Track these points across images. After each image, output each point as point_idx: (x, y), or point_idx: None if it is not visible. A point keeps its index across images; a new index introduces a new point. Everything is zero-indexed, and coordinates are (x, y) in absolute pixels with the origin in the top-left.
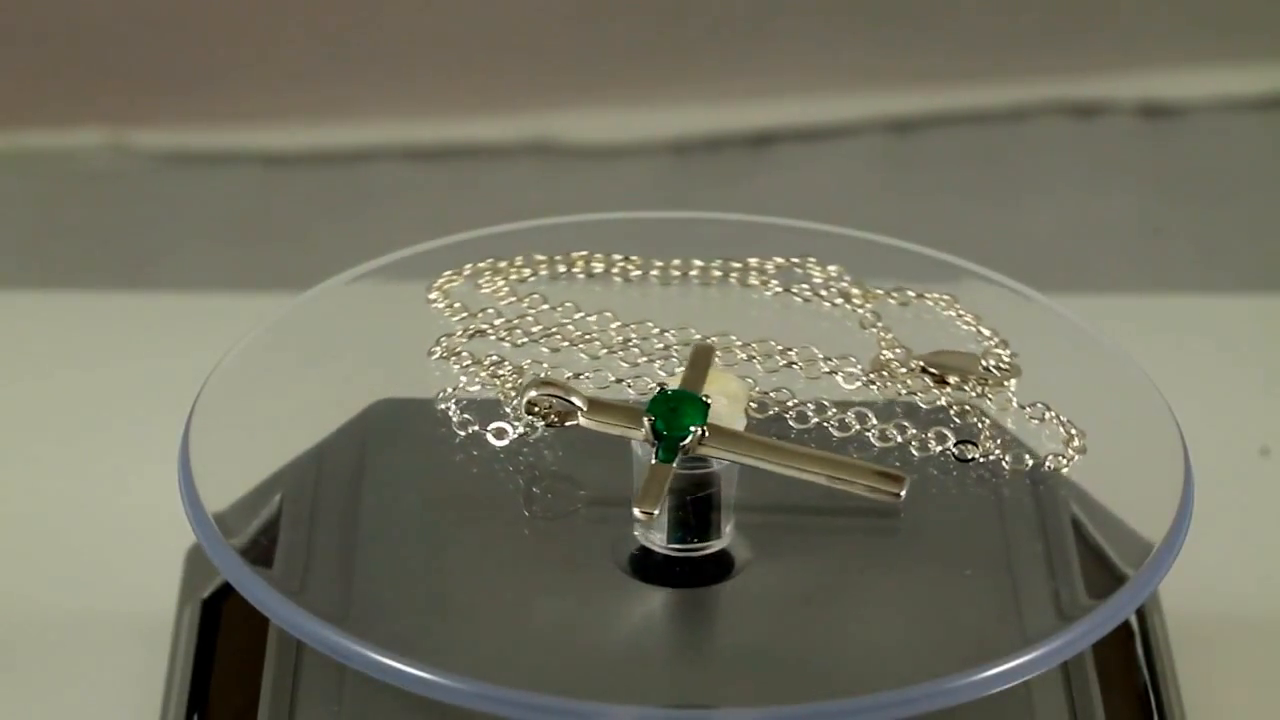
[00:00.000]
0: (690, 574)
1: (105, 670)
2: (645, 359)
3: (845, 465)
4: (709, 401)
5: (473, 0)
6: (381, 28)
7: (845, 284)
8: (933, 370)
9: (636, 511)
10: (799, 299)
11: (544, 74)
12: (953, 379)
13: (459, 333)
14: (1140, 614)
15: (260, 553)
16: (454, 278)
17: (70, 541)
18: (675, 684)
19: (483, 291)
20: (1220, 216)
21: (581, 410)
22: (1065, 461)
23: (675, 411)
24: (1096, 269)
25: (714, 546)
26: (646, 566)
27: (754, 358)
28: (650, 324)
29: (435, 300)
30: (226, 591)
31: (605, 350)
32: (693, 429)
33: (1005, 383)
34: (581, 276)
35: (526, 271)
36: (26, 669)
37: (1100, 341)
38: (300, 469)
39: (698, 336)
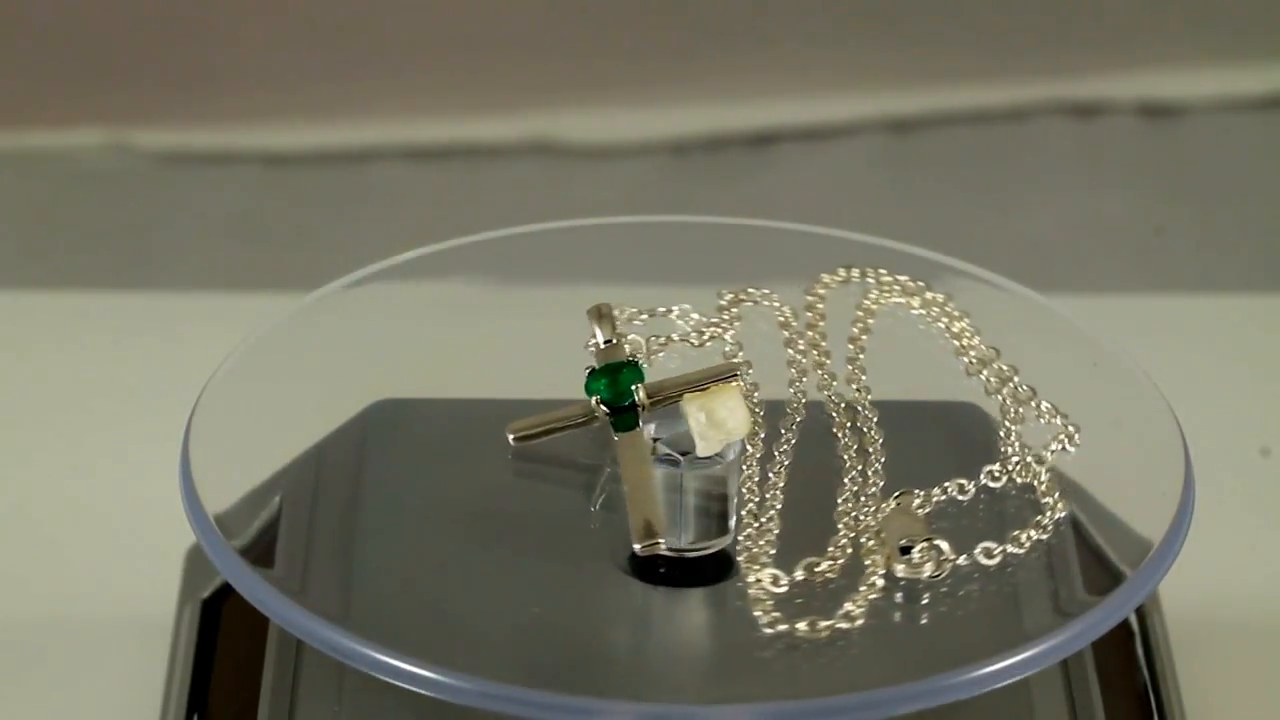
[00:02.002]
0: (691, 573)
1: (105, 670)
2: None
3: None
4: (642, 365)
5: (473, 0)
6: (381, 28)
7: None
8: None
9: (638, 547)
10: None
11: (544, 74)
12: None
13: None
14: (1140, 614)
15: (260, 553)
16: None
17: (70, 541)
18: (675, 682)
19: None
20: (1220, 216)
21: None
22: (1060, 449)
23: (615, 381)
24: (1096, 269)
25: (715, 546)
26: (647, 566)
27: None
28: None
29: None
30: (226, 591)
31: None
32: (635, 387)
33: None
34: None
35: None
36: (26, 669)
37: (1100, 342)
38: (300, 469)
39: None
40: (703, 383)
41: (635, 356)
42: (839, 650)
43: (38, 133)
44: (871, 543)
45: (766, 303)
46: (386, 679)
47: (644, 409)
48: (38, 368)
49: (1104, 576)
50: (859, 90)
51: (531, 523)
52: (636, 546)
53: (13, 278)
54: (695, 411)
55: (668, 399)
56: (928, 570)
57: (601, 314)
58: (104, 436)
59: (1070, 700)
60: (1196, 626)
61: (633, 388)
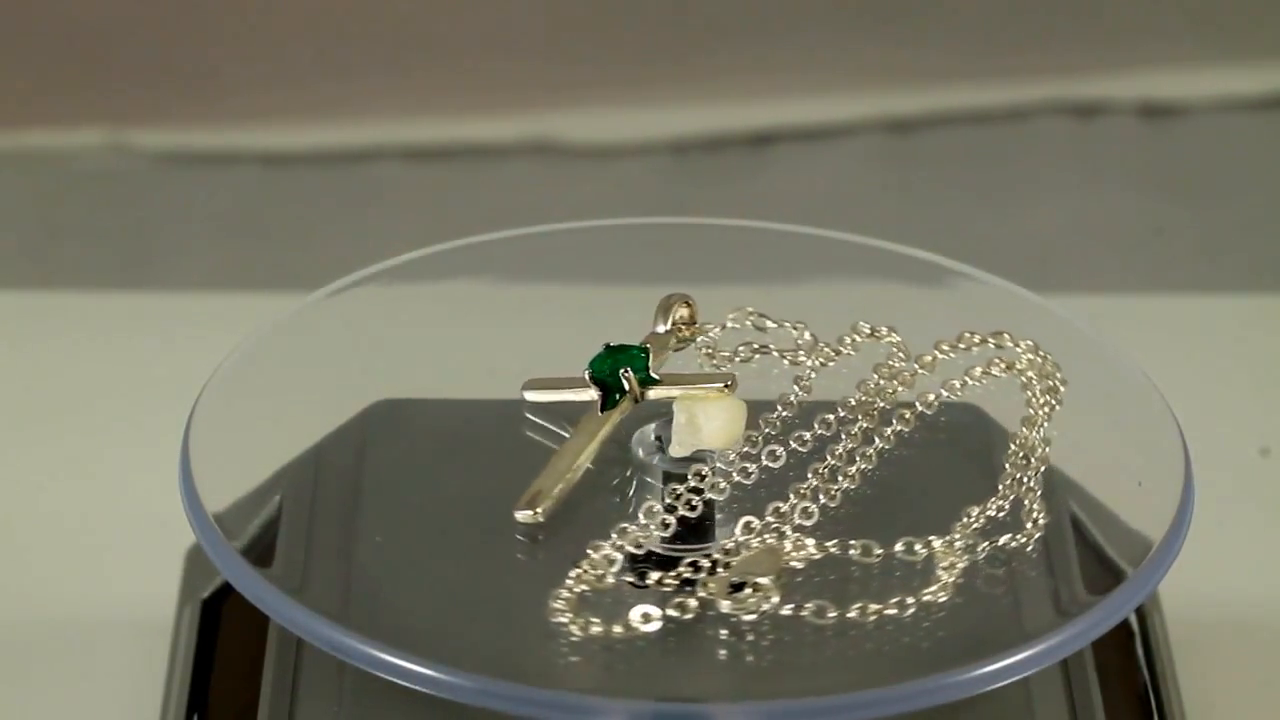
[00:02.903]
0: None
1: (105, 670)
2: None
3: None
4: (646, 351)
5: (473, 0)
6: (381, 28)
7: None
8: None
9: (516, 513)
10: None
11: (544, 74)
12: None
13: None
14: (1140, 614)
15: (260, 552)
16: None
17: (70, 541)
18: (675, 680)
19: None
20: (1220, 216)
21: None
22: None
23: (615, 361)
24: (1096, 269)
25: (712, 548)
26: (647, 565)
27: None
28: None
29: None
30: (226, 591)
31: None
32: (623, 372)
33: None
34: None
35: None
36: (26, 669)
37: (1099, 342)
38: (300, 469)
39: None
40: (691, 386)
41: (648, 347)
42: (839, 650)
43: (38, 133)
44: (717, 573)
45: (887, 339)
46: (387, 677)
47: (637, 398)
48: (38, 368)
49: (1104, 576)
50: (859, 90)
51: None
52: (516, 512)
53: (13, 278)
54: (681, 412)
55: (659, 389)
56: (748, 612)
57: (667, 305)
58: (104, 436)
59: (1070, 700)
60: (1196, 626)
61: (621, 372)
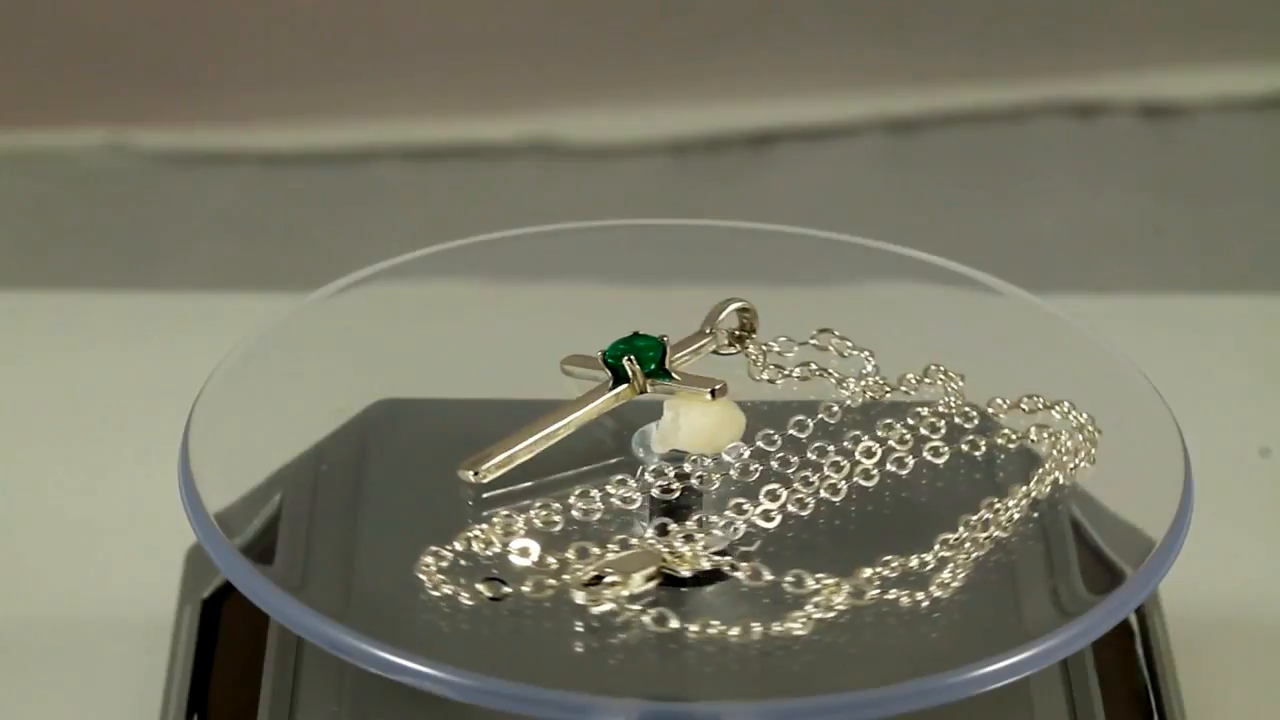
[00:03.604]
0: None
1: (105, 670)
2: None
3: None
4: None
5: (473, 0)
6: (381, 28)
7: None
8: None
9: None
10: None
11: (544, 74)
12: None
13: None
14: (1140, 614)
15: (260, 551)
16: None
17: (70, 541)
18: (675, 680)
19: None
20: (1220, 216)
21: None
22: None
23: (627, 346)
24: (1096, 269)
25: (715, 547)
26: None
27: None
28: None
29: None
30: (226, 591)
31: None
32: (627, 360)
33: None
34: None
35: None
36: (26, 669)
37: (1097, 343)
38: (300, 469)
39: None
40: (685, 387)
41: (663, 342)
42: (839, 649)
43: (38, 133)
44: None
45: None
46: (387, 675)
47: (641, 389)
48: (38, 368)
49: (1104, 576)
50: (859, 90)
51: (531, 521)
52: (459, 471)
53: (13, 278)
54: (669, 410)
55: (658, 385)
56: (596, 604)
57: (717, 308)
58: (104, 436)
59: (1070, 700)
60: (1196, 626)
61: (626, 359)
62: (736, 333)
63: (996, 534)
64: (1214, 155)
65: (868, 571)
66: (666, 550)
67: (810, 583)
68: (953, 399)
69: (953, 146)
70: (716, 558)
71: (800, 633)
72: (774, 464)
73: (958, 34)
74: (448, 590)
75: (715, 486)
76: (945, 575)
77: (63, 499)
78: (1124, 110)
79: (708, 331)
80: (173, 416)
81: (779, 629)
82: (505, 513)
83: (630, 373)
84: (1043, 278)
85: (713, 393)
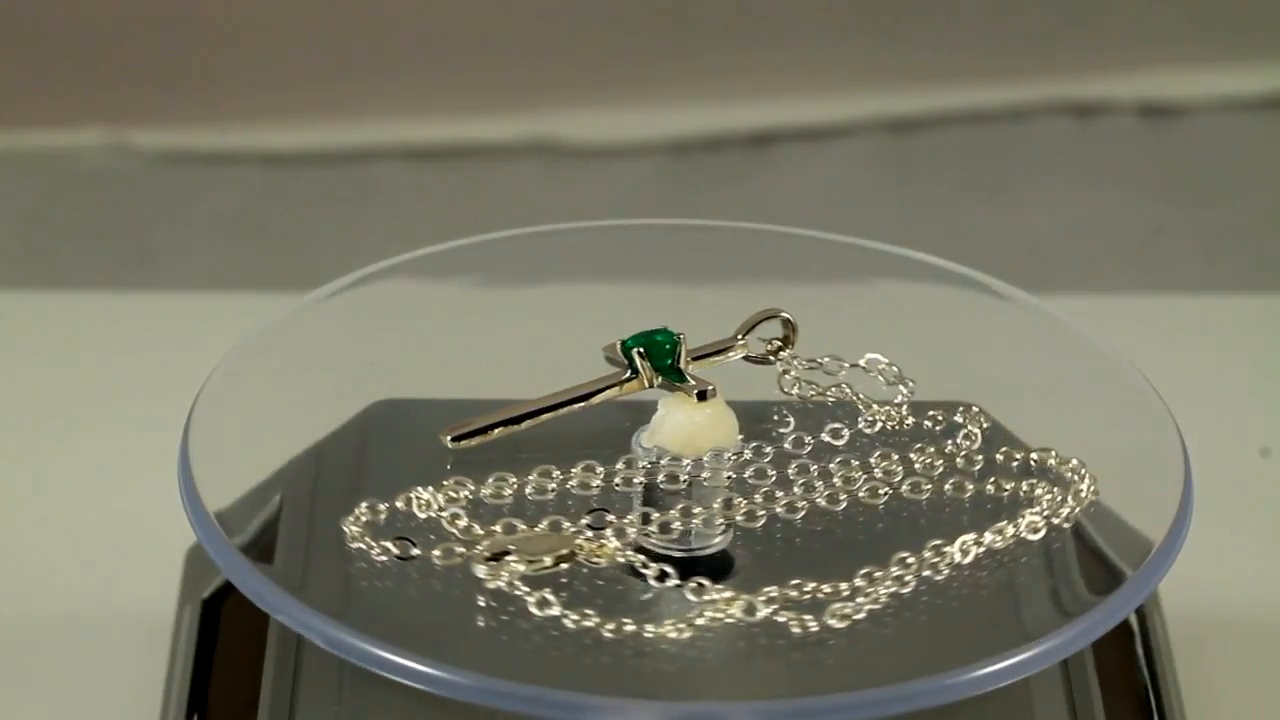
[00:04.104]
0: (690, 573)
1: (105, 670)
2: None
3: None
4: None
5: (473, 0)
6: (381, 28)
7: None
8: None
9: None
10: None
11: (544, 74)
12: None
13: None
14: (1140, 614)
15: (260, 551)
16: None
17: (70, 541)
18: (675, 680)
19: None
20: (1220, 216)
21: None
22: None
23: (644, 338)
24: (1096, 269)
25: (715, 546)
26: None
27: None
28: None
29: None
30: (226, 591)
31: None
32: (636, 351)
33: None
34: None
35: None
36: (26, 669)
37: (1097, 343)
38: (300, 468)
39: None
40: (678, 386)
41: (678, 339)
42: (840, 650)
43: (38, 133)
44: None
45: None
46: (386, 675)
47: (649, 381)
48: (38, 368)
49: (1104, 576)
50: (859, 90)
51: (531, 521)
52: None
53: (13, 278)
54: (661, 407)
55: (662, 381)
56: (493, 579)
57: (754, 318)
58: (104, 436)
59: (1070, 700)
60: (1196, 626)
61: (636, 351)
62: (774, 342)
63: (925, 573)
64: (1213, 155)
65: (772, 590)
66: (585, 539)
67: (711, 594)
68: (968, 442)
69: (952, 146)
70: (631, 554)
71: (944, 598)
72: (749, 475)
73: (958, 34)
74: (361, 546)
75: (681, 487)
76: (849, 606)
77: (63, 499)
78: (1123, 110)
79: (739, 338)
80: (173, 416)
81: (774, 630)
82: (457, 479)
83: (638, 365)
84: (1042, 278)
85: (700, 395)
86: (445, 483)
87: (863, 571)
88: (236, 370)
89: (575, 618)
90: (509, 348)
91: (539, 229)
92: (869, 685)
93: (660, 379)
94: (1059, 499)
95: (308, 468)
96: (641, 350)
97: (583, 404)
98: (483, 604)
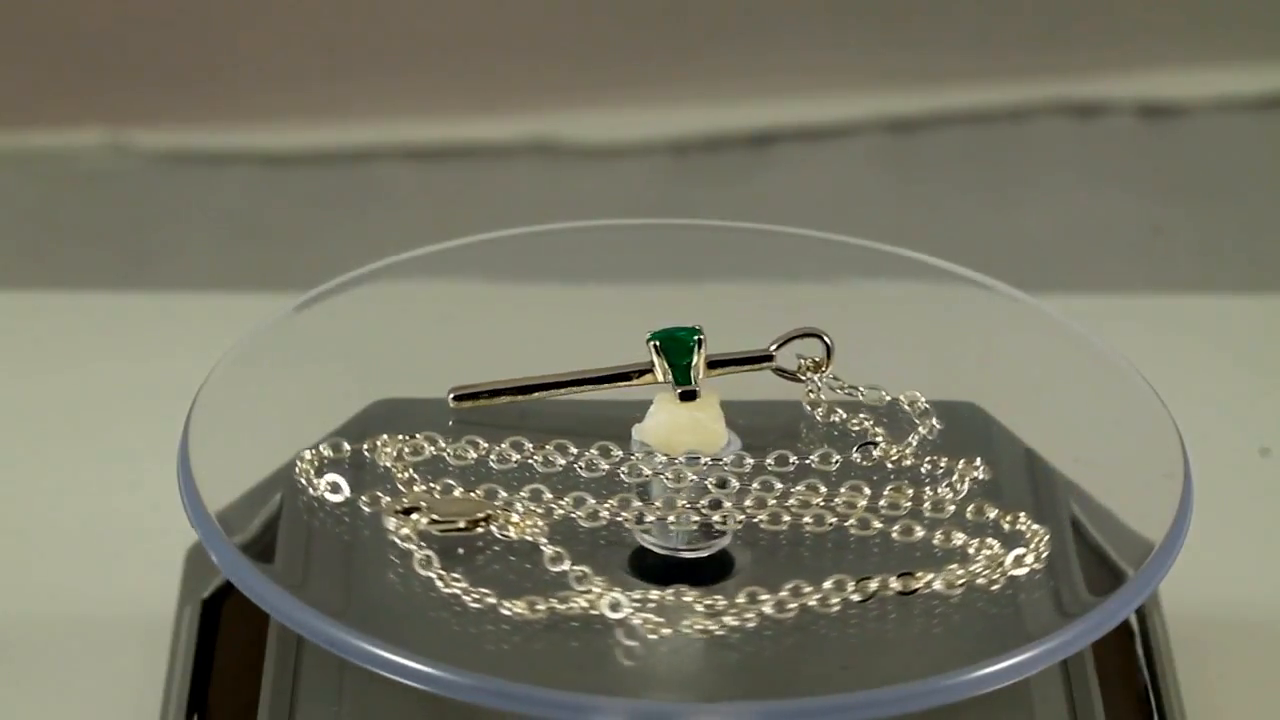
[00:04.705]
0: (690, 573)
1: (105, 670)
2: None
3: None
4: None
5: (473, 0)
6: (382, 28)
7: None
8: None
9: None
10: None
11: (544, 74)
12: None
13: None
14: (1140, 614)
15: (260, 550)
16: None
17: (70, 541)
18: (675, 680)
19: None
20: (1220, 216)
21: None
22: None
23: (668, 332)
24: (1096, 269)
25: (714, 547)
26: (646, 565)
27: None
28: None
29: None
30: (226, 591)
31: None
32: (653, 344)
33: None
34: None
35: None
36: (26, 669)
37: (1096, 344)
38: (300, 469)
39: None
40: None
41: (701, 336)
42: (840, 650)
43: (38, 133)
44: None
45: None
46: (386, 674)
47: (661, 377)
48: (38, 368)
49: (1104, 577)
50: (859, 90)
51: (531, 521)
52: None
53: (13, 278)
54: (654, 403)
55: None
56: (401, 531)
57: (789, 333)
58: (104, 437)
59: (1070, 700)
60: (1196, 626)
61: (652, 344)
62: (809, 359)
63: (810, 604)
64: (1213, 155)
65: (621, 593)
66: (500, 508)
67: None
68: (951, 491)
69: (953, 146)
70: (535, 533)
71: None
72: (710, 483)
73: (958, 34)
74: (302, 481)
75: (638, 480)
76: (712, 622)
77: (63, 499)
78: (1124, 110)
79: (771, 350)
80: (172, 416)
81: (782, 629)
82: (427, 434)
83: (651, 359)
84: (1042, 278)
85: (682, 395)
86: (415, 436)
87: (759, 595)
88: (236, 370)
89: (696, 630)
90: (509, 347)
91: (539, 228)
92: (869, 686)
93: (671, 375)
94: (995, 565)
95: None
96: (658, 344)
97: (593, 388)
98: (483, 603)
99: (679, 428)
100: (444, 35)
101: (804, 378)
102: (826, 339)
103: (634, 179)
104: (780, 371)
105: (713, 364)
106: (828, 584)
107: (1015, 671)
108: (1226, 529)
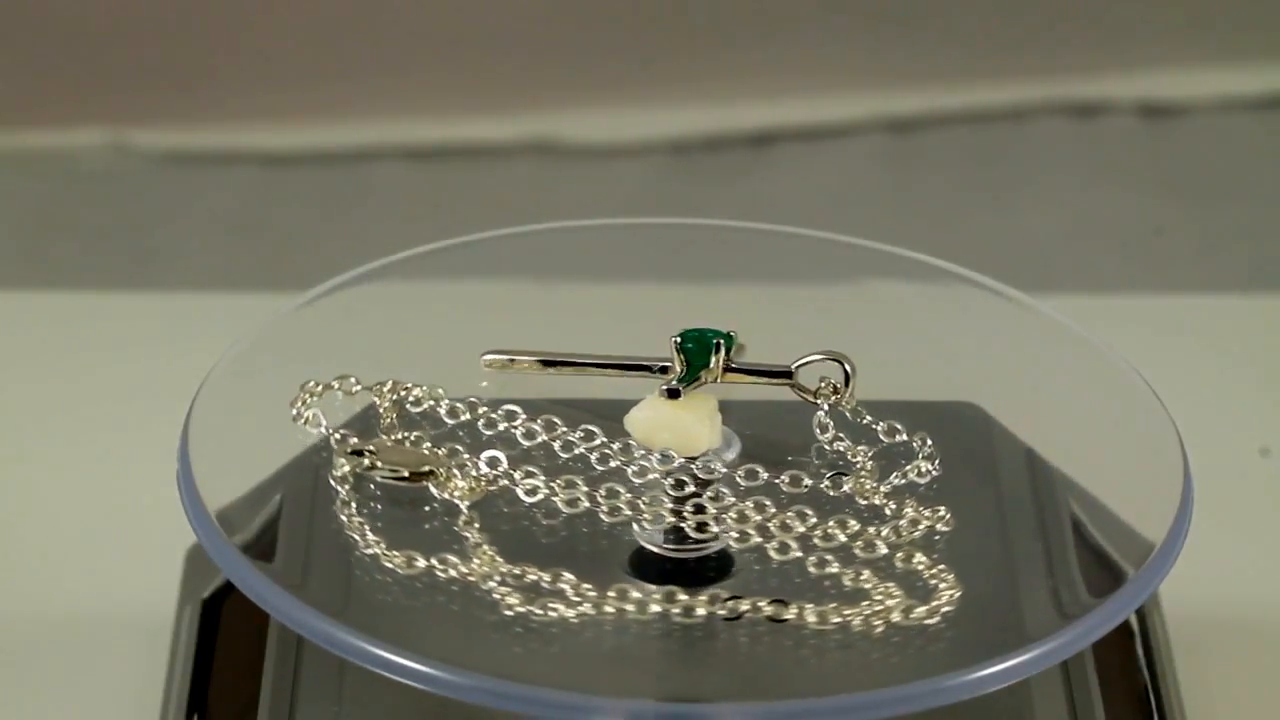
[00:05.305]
0: (690, 573)
1: (105, 670)
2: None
3: None
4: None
5: (473, 0)
6: (381, 28)
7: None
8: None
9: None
10: None
11: (544, 74)
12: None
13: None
14: (1140, 614)
15: (260, 550)
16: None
17: (70, 541)
18: (675, 680)
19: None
20: (1220, 216)
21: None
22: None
23: (693, 338)
24: (1096, 269)
25: (714, 547)
26: (646, 565)
27: None
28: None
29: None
30: (226, 591)
31: None
32: (674, 340)
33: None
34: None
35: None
36: (26, 669)
37: (1095, 345)
38: (300, 467)
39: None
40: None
41: (721, 339)
42: (840, 650)
43: (38, 133)
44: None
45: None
46: (386, 674)
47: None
48: (38, 368)
49: (1104, 577)
50: (859, 90)
51: (531, 521)
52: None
53: (13, 278)
54: (647, 398)
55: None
56: (343, 469)
57: (812, 356)
58: (104, 436)
59: (1070, 700)
60: (1196, 626)
61: (674, 340)
62: (829, 384)
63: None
64: (1214, 155)
65: (535, 574)
66: (446, 466)
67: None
68: (895, 535)
69: (953, 146)
70: (475, 495)
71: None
72: (668, 483)
73: (958, 34)
74: (293, 413)
75: (605, 469)
76: (565, 612)
77: (63, 499)
78: (1124, 110)
79: (791, 368)
80: (172, 416)
81: (780, 628)
82: (429, 386)
83: (674, 351)
84: (1042, 278)
85: (668, 393)
86: (422, 386)
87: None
88: (236, 370)
89: (695, 629)
90: (508, 347)
91: (538, 227)
92: (869, 686)
93: (684, 373)
94: (882, 612)
95: (308, 466)
96: (679, 341)
97: (611, 373)
98: (482, 604)
99: (660, 424)
100: (444, 35)
101: (819, 401)
102: (847, 366)
103: (634, 179)
104: (799, 390)
105: (734, 369)
106: (702, 596)
107: (1015, 673)
108: (1226, 529)
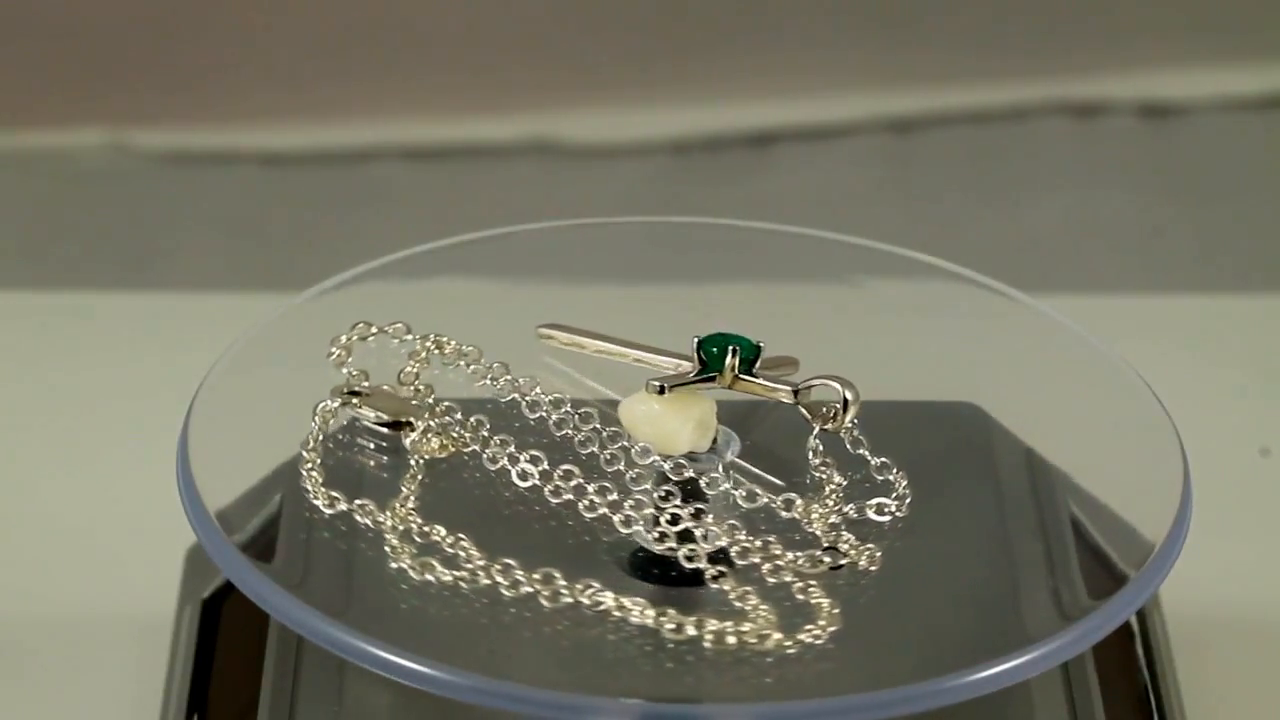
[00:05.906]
0: (689, 573)
1: (105, 670)
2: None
3: None
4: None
5: (473, 0)
6: (381, 28)
7: None
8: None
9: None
10: None
11: (544, 74)
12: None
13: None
14: (1140, 614)
15: (260, 550)
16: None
17: (70, 541)
18: (674, 680)
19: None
20: (1220, 216)
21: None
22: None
23: (718, 340)
24: (1096, 269)
25: (712, 546)
26: (645, 565)
27: None
28: None
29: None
30: (226, 591)
31: None
32: (696, 339)
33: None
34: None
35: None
36: (26, 669)
37: (1095, 344)
38: (300, 468)
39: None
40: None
41: (735, 346)
42: (840, 651)
43: (38, 133)
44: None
45: None
46: (386, 674)
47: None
48: (38, 368)
49: (1105, 578)
50: (859, 90)
51: (530, 521)
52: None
53: (13, 278)
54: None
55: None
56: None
57: (817, 378)
58: (104, 436)
59: (1070, 701)
60: (1196, 626)
61: (695, 338)
62: (831, 409)
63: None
64: (1213, 155)
65: (505, 564)
66: (425, 421)
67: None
68: (808, 564)
69: (953, 146)
70: (441, 453)
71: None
72: (630, 477)
73: (958, 34)
74: (334, 350)
75: (584, 453)
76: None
77: (62, 499)
78: (1124, 110)
79: (795, 388)
80: (172, 416)
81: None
82: (459, 344)
83: (694, 349)
84: (1042, 278)
85: (659, 388)
86: (442, 336)
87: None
88: (235, 370)
89: (696, 630)
90: (507, 347)
91: (538, 225)
92: (870, 687)
93: (695, 372)
94: (743, 634)
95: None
96: (699, 342)
97: (641, 361)
98: (483, 604)
99: (643, 418)
100: (444, 35)
101: (814, 425)
102: (848, 394)
103: (634, 179)
104: (802, 409)
105: (743, 379)
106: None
107: (1016, 674)
108: (1226, 529)
